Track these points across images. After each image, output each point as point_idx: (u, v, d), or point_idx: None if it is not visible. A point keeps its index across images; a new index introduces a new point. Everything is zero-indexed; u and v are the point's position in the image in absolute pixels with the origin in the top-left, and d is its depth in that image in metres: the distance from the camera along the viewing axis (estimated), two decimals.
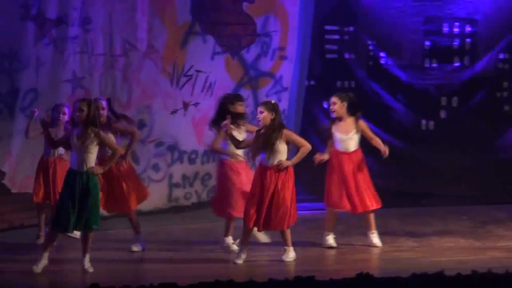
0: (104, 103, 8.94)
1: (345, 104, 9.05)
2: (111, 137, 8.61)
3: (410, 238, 9.59)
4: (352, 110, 9.07)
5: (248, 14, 11.06)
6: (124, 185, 8.91)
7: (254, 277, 7.25)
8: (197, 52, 10.73)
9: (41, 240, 9.17)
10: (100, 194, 8.26)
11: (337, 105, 9.05)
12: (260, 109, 8.47)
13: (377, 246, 9.09)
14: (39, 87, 9.80)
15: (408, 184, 11.83)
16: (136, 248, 8.97)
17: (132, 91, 10.41)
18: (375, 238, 9.13)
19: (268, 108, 8.42)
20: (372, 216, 9.12)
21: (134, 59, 10.36)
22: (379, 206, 9.11)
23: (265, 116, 8.38)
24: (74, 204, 7.93)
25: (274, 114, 8.38)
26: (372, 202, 9.05)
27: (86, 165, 7.97)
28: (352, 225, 9.85)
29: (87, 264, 8.04)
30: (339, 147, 9.08)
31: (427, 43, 12.37)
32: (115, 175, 8.86)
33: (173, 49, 10.59)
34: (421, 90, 12.30)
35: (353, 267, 7.88)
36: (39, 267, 7.96)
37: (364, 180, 9.04)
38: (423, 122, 12.33)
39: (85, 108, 7.95)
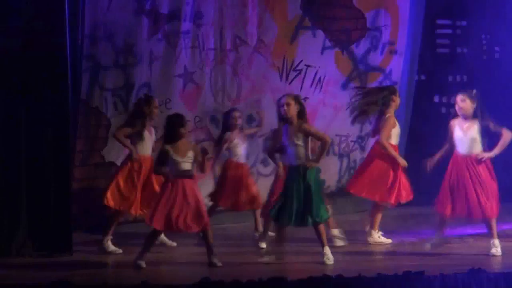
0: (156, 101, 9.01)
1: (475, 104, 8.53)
2: (151, 131, 8.76)
3: None
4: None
5: (358, 9, 11.01)
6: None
7: (363, 272, 7.21)
8: (307, 47, 10.75)
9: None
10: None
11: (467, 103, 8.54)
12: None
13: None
14: (152, 82, 9.96)
15: None
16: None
17: (242, 86, 10.50)
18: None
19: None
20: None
21: (244, 54, 10.45)
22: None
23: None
24: (298, 198, 8.08)
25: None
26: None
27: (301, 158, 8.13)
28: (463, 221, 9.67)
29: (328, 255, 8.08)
30: None
31: None
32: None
33: (283, 44, 10.64)
34: None
35: (463, 263, 7.74)
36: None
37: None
38: None
39: (292, 102, 8.15)
